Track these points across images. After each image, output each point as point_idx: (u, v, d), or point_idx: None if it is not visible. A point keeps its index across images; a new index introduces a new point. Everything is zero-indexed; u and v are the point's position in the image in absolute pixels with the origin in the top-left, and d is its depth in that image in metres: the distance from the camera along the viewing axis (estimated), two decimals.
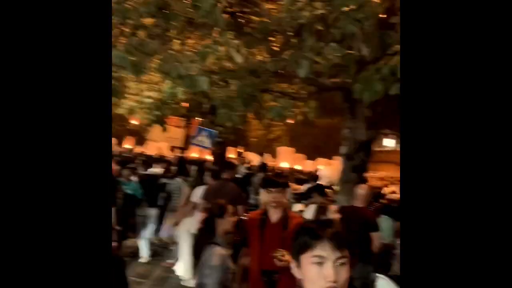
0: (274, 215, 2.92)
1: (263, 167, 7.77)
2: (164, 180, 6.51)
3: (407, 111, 1.29)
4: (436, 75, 1.26)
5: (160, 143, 20.80)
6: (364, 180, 5.41)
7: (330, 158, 22.29)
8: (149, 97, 8.01)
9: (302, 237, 1.23)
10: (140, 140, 20.97)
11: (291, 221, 2.88)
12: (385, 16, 4.19)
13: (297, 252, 1.24)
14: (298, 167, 16.53)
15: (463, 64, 1.23)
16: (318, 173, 8.76)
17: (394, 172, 23.26)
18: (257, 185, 7.31)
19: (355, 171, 5.14)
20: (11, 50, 1.20)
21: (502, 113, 1.19)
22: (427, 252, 1.21)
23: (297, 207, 4.70)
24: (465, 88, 1.23)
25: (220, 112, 6.71)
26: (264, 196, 3.08)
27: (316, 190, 4.53)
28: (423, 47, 1.28)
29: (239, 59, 4.11)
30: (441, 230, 1.20)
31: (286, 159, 16.48)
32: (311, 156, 23.84)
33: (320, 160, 20.47)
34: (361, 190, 3.54)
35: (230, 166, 5.18)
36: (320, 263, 1.18)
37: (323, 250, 1.18)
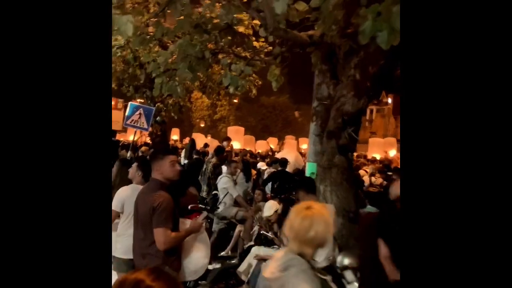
0: None
1: (219, 150, 6.28)
2: None
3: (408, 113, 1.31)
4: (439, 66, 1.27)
5: None
6: (352, 164, 4.21)
7: (281, 138, 21.40)
8: None
9: None
10: None
11: None
12: None
13: None
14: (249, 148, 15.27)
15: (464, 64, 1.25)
16: (280, 155, 7.47)
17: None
18: (209, 173, 5.87)
19: (342, 153, 3.88)
20: (11, 50, 1.23)
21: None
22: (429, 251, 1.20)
23: (270, 206, 3.36)
24: (466, 89, 1.24)
25: (158, 81, 5.19)
26: None
27: (302, 186, 3.10)
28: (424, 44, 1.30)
29: None
30: (442, 230, 1.20)
31: (238, 140, 15.11)
32: (260, 136, 22.78)
33: (271, 139, 19.44)
34: (397, 188, 2.23)
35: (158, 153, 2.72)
36: None
37: None
